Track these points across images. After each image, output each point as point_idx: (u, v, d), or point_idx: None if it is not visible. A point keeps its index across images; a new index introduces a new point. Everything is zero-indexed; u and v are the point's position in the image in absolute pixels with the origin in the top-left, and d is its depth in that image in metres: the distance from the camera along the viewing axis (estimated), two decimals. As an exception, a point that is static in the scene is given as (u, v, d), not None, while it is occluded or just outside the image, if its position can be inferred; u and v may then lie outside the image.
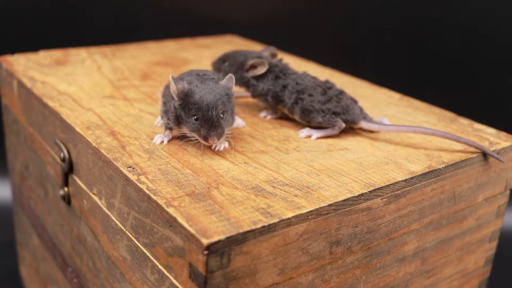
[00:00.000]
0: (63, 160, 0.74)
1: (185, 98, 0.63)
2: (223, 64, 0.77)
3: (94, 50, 1.06)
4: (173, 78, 0.64)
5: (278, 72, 0.75)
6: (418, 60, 1.44)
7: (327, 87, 0.74)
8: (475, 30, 1.38)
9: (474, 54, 1.40)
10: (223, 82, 0.65)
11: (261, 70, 0.74)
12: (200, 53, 1.08)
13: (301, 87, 0.73)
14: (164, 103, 0.68)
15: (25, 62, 0.95)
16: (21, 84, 0.87)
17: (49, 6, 1.37)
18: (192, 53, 1.08)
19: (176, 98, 0.64)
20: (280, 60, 0.78)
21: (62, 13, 1.39)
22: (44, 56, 0.99)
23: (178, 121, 0.64)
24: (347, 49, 1.48)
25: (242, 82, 0.76)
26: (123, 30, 1.40)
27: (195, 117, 0.62)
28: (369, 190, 0.58)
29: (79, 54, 1.02)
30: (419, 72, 1.45)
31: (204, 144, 0.65)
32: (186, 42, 1.17)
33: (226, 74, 0.72)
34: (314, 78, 0.76)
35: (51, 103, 0.77)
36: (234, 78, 0.66)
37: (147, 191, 0.55)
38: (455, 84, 1.43)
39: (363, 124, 0.72)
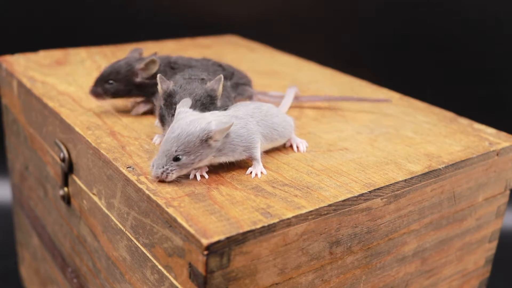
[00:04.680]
0: (63, 160, 0.74)
1: (168, 98, 0.63)
2: (107, 84, 0.72)
3: (94, 50, 1.06)
4: (160, 78, 0.64)
5: (168, 63, 0.75)
6: (418, 60, 1.44)
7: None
8: (475, 30, 1.38)
9: (475, 54, 1.40)
10: (209, 83, 0.65)
11: (154, 68, 0.72)
12: (200, 53, 1.08)
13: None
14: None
15: (25, 62, 0.95)
16: (21, 84, 0.87)
17: (49, 6, 1.37)
18: (192, 53, 1.08)
19: (161, 98, 0.64)
20: (155, 53, 0.77)
21: (62, 13, 1.39)
22: (44, 56, 0.99)
23: (162, 121, 0.64)
24: (347, 49, 1.48)
25: (139, 89, 0.73)
26: (123, 30, 1.40)
27: (174, 117, 0.62)
28: (369, 190, 0.58)
29: (79, 54, 1.02)
30: (419, 72, 1.45)
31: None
32: (186, 42, 1.17)
33: (114, 92, 0.72)
34: (206, 61, 0.77)
35: (51, 103, 0.77)
36: (222, 79, 0.65)
37: (146, 191, 0.55)
38: (455, 84, 1.43)
39: None
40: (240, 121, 0.60)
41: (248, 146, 0.59)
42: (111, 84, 0.72)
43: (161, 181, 0.57)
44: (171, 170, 0.56)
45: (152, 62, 0.72)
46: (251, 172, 0.60)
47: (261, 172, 0.60)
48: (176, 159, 0.56)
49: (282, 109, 0.73)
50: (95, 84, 0.73)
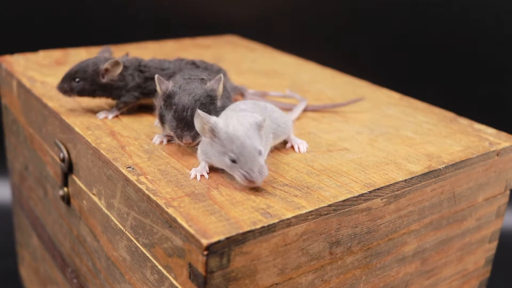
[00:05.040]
0: (63, 160, 0.74)
1: (167, 99, 0.63)
2: (73, 82, 0.72)
3: (94, 50, 1.05)
4: (158, 78, 0.64)
5: (137, 66, 0.74)
6: (418, 60, 1.44)
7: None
8: (475, 30, 1.38)
9: (475, 54, 1.40)
10: (208, 83, 0.65)
11: (118, 69, 0.71)
12: (200, 53, 1.08)
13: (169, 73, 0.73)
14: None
15: (24, 62, 0.94)
16: (20, 84, 0.87)
17: (49, 6, 1.37)
18: (192, 53, 1.08)
19: (160, 99, 0.64)
20: (127, 54, 0.77)
21: (62, 13, 1.38)
22: (43, 56, 0.99)
23: (162, 120, 0.64)
24: (347, 49, 1.48)
25: (104, 90, 0.72)
26: (123, 30, 1.40)
27: (173, 117, 0.62)
28: (369, 190, 0.58)
29: (79, 54, 1.02)
30: (419, 72, 1.45)
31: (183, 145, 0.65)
32: (186, 42, 1.17)
33: (80, 91, 0.72)
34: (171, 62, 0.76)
35: (50, 103, 0.77)
36: (222, 78, 0.65)
37: (146, 191, 0.55)
38: (455, 84, 1.43)
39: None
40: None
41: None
42: (78, 83, 0.72)
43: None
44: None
45: (116, 63, 0.71)
46: None
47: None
48: (260, 153, 0.55)
49: (292, 116, 0.74)
50: (62, 80, 0.72)
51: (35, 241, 0.97)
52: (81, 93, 0.72)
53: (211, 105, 0.64)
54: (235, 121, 0.56)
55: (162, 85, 0.64)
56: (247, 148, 0.54)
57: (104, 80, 0.72)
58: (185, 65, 0.76)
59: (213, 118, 0.57)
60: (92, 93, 0.73)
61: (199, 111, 0.56)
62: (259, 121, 0.56)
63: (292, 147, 0.67)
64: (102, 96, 0.73)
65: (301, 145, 0.67)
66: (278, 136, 0.64)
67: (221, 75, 0.65)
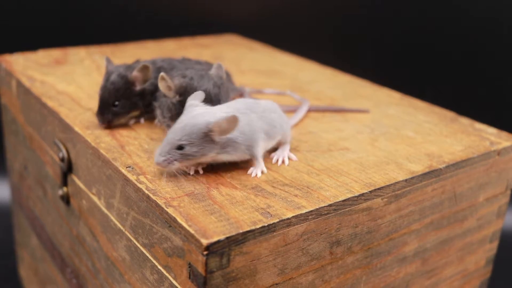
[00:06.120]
0: (62, 160, 0.74)
1: (186, 93, 0.62)
2: (113, 107, 0.68)
3: (93, 49, 1.05)
4: (165, 75, 0.63)
5: (159, 69, 0.72)
6: (419, 59, 1.44)
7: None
8: (476, 29, 1.38)
9: (475, 53, 1.40)
10: (212, 71, 0.65)
11: (148, 73, 0.69)
12: (200, 53, 1.08)
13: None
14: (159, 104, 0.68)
15: (24, 61, 0.94)
16: (20, 84, 0.86)
17: (49, 5, 1.37)
18: (191, 52, 1.08)
19: (174, 95, 0.63)
20: (137, 61, 0.75)
21: (62, 12, 1.38)
22: (43, 55, 0.99)
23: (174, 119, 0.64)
24: (347, 48, 1.48)
25: (141, 97, 0.70)
26: (123, 30, 1.40)
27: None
28: (370, 190, 0.58)
29: (78, 54, 1.02)
30: (420, 71, 1.45)
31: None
32: (186, 42, 1.17)
33: (124, 112, 0.69)
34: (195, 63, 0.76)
35: (50, 103, 0.77)
36: (221, 65, 0.65)
37: (146, 191, 0.55)
38: (456, 84, 1.43)
39: None
40: (244, 117, 0.59)
41: (250, 145, 0.59)
42: (117, 105, 0.69)
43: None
44: (174, 159, 0.55)
45: (145, 67, 0.69)
46: (252, 172, 0.60)
47: (262, 171, 0.60)
48: (180, 148, 0.55)
49: (292, 121, 0.73)
50: (100, 112, 0.69)
51: (35, 241, 0.97)
52: (125, 113, 0.70)
53: (221, 90, 0.64)
54: (192, 114, 0.57)
55: (174, 80, 0.63)
56: (169, 135, 0.56)
57: (138, 87, 0.69)
58: (193, 65, 0.76)
59: (192, 101, 0.59)
60: (134, 106, 0.70)
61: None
62: (208, 124, 0.55)
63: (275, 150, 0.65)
64: (139, 108, 0.71)
65: (285, 158, 0.63)
66: (271, 137, 0.62)
67: (219, 62, 0.65)
